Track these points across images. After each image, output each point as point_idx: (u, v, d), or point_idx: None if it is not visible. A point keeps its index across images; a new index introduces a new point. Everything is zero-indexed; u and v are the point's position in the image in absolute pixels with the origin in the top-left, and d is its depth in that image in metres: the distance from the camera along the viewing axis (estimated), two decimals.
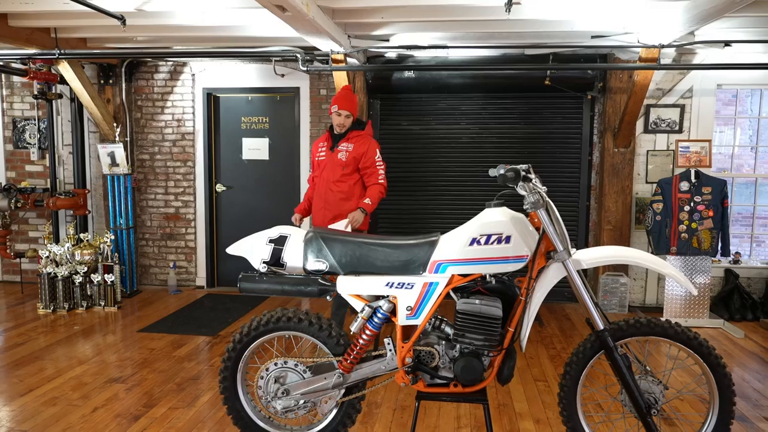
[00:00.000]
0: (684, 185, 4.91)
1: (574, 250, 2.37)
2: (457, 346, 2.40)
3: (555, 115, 5.68)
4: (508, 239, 2.30)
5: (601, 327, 2.34)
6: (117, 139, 5.90)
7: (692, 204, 4.89)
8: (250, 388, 2.68)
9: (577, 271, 2.34)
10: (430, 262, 2.39)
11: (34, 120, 6.31)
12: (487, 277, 2.39)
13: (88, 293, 5.48)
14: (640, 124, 5.47)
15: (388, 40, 5.09)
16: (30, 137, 6.33)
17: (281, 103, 6.07)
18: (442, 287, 2.37)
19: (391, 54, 5.52)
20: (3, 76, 6.28)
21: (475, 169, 5.78)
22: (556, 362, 4.09)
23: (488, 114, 5.76)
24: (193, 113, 6.16)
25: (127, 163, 5.90)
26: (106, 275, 5.42)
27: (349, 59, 5.13)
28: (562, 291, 5.65)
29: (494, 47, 5.25)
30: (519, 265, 2.33)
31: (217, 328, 4.88)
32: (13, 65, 5.70)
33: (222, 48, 5.52)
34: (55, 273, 5.33)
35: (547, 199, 2.34)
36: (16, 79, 6.29)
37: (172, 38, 5.39)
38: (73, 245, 5.57)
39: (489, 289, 2.41)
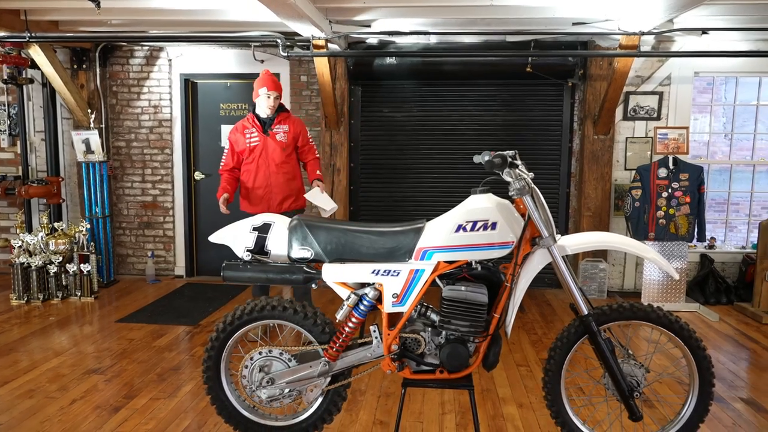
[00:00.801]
0: (662, 172, 4.98)
1: (559, 236, 2.39)
2: (443, 332, 2.40)
3: (536, 103, 5.70)
4: (494, 226, 2.30)
5: (586, 312, 2.36)
6: (92, 125, 5.75)
7: (670, 190, 4.96)
8: (234, 377, 2.65)
9: (562, 257, 2.35)
10: (416, 249, 2.37)
11: (4, 106, 6.11)
12: (473, 263, 2.39)
13: (64, 283, 5.37)
14: (619, 112, 5.51)
15: (369, 26, 5.03)
16: (0, 123, 6.14)
17: None
18: (428, 274, 2.36)
19: (373, 40, 5.47)
20: None
21: (457, 156, 5.78)
22: (537, 347, 4.14)
23: (470, 101, 5.75)
24: (171, 99, 6.03)
25: (103, 150, 5.76)
26: (82, 265, 5.31)
27: (330, 45, 5.06)
28: (542, 277, 5.70)
29: (476, 33, 5.24)
30: (505, 252, 2.33)
31: (197, 317, 4.83)
32: None
33: (200, 33, 5.40)
34: (28, 263, 5.20)
35: (533, 185, 2.34)
36: None
37: (149, 22, 5.26)
38: (47, 234, 5.44)
39: (474, 276, 2.41)
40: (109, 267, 5.93)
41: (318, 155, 4.31)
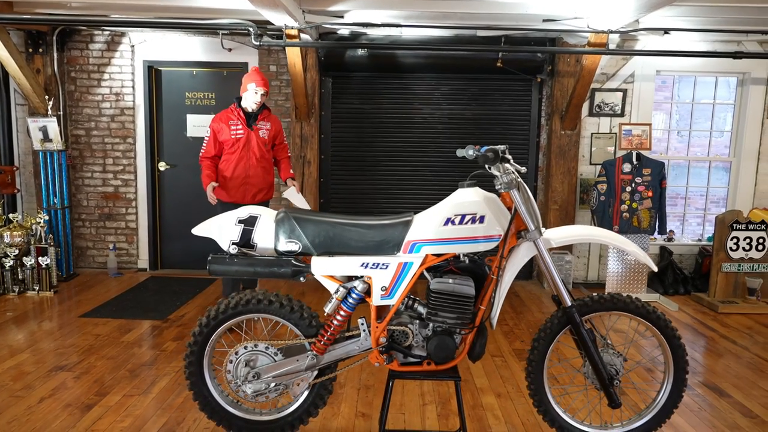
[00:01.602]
0: (626, 167, 5.14)
1: (544, 229, 2.44)
2: (431, 324, 2.42)
3: (505, 97, 5.78)
4: (482, 219, 2.33)
5: (569, 303, 2.42)
6: (50, 112, 5.50)
7: (633, 185, 5.13)
8: (217, 372, 2.61)
9: (547, 250, 2.40)
10: (405, 242, 2.38)
11: None
12: (461, 256, 2.42)
13: (20, 277, 5.14)
14: (585, 108, 5.65)
15: (342, 17, 4.98)
16: None
17: (228, 78, 5.84)
18: (417, 267, 2.38)
19: (344, 31, 5.42)
20: None
21: (427, 148, 5.81)
22: (510, 338, 4.22)
23: (440, 94, 5.78)
24: (133, 87, 5.82)
25: (61, 138, 5.52)
26: (39, 258, 5.10)
27: (302, 35, 4.99)
28: None
29: (448, 27, 5.26)
30: (492, 245, 2.36)
31: (165, 311, 4.71)
32: None
33: (165, 18, 5.22)
34: None
35: (520, 179, 2.38)
36: None
37: (111, 5, 5.03)
38: (1, 226, 5.19)
39: (461, 269, 2.44)
40: (69, 260, 5.71)
41: (289, 153, 4.54)
